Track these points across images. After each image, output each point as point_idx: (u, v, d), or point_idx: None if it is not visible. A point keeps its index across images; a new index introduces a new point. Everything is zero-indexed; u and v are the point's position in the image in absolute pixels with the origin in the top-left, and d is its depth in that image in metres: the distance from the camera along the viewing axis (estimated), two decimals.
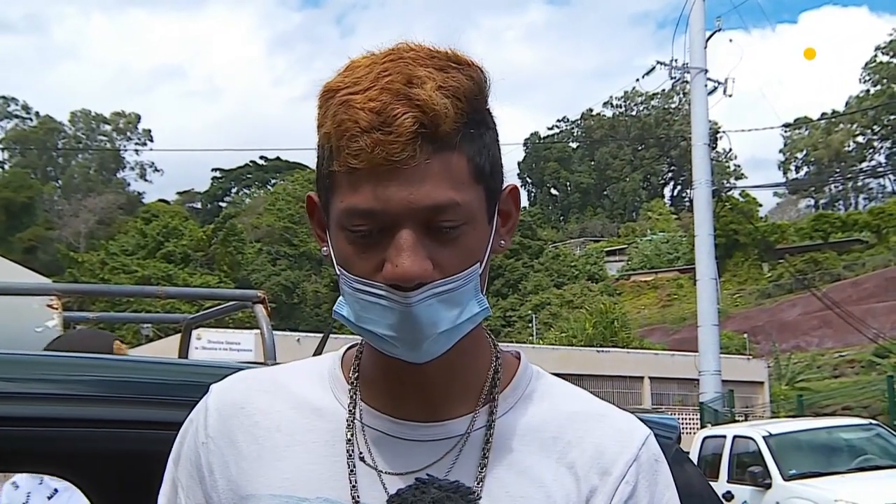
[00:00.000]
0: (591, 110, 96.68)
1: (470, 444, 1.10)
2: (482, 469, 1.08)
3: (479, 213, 1.05)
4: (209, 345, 24.96)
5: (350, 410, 1.12)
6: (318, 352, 2.41)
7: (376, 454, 1.09)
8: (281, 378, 1.18)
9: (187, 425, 1.19)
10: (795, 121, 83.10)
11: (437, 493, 1.04)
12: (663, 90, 74.58)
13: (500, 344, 1.20)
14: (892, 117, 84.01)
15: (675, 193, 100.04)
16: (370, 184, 1.00)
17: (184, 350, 3.32)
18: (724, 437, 12.71)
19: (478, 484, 1.07)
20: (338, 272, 1.06)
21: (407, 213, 1.00)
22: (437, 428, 1.10)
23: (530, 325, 57.90)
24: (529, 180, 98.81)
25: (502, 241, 1.13)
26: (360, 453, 1.09)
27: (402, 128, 0.98)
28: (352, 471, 1.08)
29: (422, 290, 1.00)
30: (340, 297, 1.07)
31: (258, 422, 1.13)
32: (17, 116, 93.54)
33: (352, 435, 1.10)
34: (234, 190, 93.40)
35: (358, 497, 1.06)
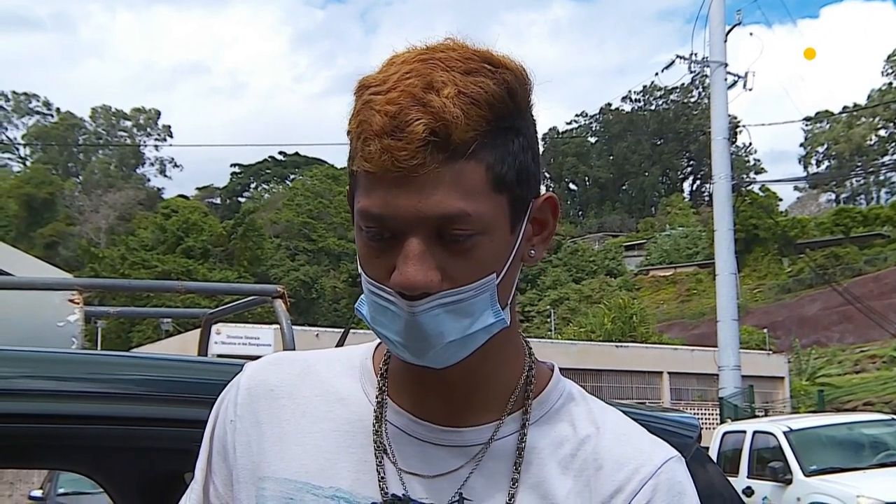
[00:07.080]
0: (609, 105, 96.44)
1: (490, 454, 1.08)
2: (514, 484, 1.06)
3: (497, 223, 1.02)
4: (228, 339, 25.08)
5: (378, 403, 1.11)
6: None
7: (396, 451, 1.09)
8: (313, 364, 1.18)
9: (220, 402, 1.19)
10: (816, 114, 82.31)
11: None
12: (682, 84, 74.35)
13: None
14: None
15: (695, 188, 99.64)
16: (381, 189, 0.98)
17: (203, 345, 3.33)
18: (744, 432, 12.65)
19: (510, 499, 1.05)
20: (359, 270, 1.06)
21: (415, 221, 0.98)
22: (459, 434, 1.08)
23: (549, 319, 57.84)
24: (548, 175, 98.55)
25: (532, 252, 1.09)
26: (384, 447, 1.09)
27: (412, 135, 0.95)
28: (380, 463, 1.07)
29: (427, 301, 0.99)
30: (362, 295, 1.06)
31: (284, 405, 1.14)
32: (38, 113, 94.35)
33: (379, 427, 1.10)
34: (253, 185, 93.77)
35: (387, 488, 1.06)
